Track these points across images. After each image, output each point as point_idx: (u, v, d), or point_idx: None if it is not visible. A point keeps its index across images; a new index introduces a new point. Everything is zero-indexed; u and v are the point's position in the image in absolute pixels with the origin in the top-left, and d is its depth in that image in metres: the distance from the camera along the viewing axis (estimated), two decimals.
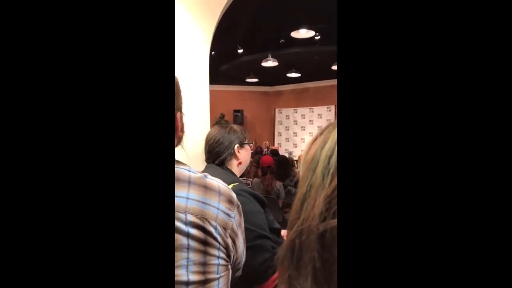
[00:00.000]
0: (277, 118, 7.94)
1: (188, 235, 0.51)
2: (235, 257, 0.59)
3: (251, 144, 1.01)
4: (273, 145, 7.35)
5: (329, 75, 6.47)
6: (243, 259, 0.63)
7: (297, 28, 4.14)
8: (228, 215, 0.56)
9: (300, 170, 0.32)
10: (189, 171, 0.56)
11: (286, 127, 7.86)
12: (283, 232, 0.95)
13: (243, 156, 0.96)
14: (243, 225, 0.62)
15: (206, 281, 0.53)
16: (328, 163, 0.28)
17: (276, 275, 0.73)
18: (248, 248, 0.66)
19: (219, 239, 0.54)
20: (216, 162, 0.93)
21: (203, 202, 0.54)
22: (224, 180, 0.61)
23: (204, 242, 0.53)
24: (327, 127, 0.32)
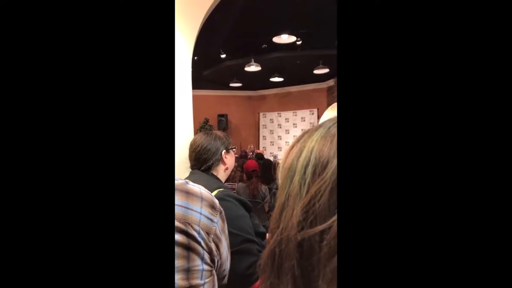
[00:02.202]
0: (262, 122, 7.98)
1: None
2: (219, 263, 0.59)
3: (234, 149, 1.02)
4: (258, 148, 7.38)
5: (311, 79, 6.59)
6: (228, 265, 0.63)
7: (278, 33, 4.20)
8: (211, 220, 0.57)
9: (279, 178, 0.32)
10: None
11: (270, 130, 7.91)
12: (268, 236, 0.96)
13: (229, 161, 0.98)
14: (226, 231, 0.62)
15: (191, 287, 0.53)
16: (304, 172, 0.28)
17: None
18: (234, 252, 0.67)
19: (203, 243, 0.54)
20: (202, 168, 0.93)
21: (185, 207, 0.54)
22: (209, 186, 0.62)
23: (187, 248, 0.52)
24: (302, 135, 0.32)
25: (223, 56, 5.16)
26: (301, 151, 0.30)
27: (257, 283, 0.74)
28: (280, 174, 0.32)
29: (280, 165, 0.33)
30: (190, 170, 0.96)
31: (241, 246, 0.74)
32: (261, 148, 7.60)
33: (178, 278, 0.51)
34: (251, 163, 2.85)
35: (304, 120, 7.44)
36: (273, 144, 7.90)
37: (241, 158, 5.01)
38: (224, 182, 0.99)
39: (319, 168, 0.27)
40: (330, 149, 0.28)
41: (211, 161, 0.93)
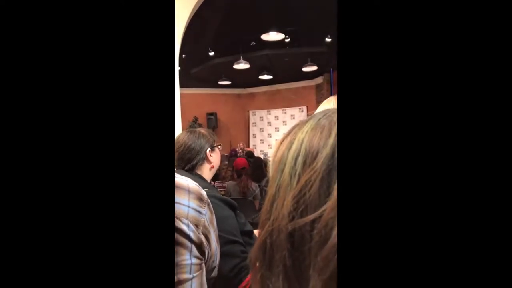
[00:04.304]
0: (251, 120, 7.98)
1: None
2: (209, 254, 0.59)
3: (220, 147, 1.01)
4: (248, 147, 7.37)
5: (300, 76, 6.62)
6: (218, 257, 0.63)
7: (267, 30, 4.19)
8: (199, 212, 0.56)
9: (270, 171, 0.32)
10: None
11: (260, 128, 7.92)
12: (256, 232, 0.95)
13: (215, 159, 0.96)
14: (215, 223, 0.62)
15: (179, 282, 0.52)
16: (295, 164, 0.28)
17: (246, 280, 0.72)
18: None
19: (192, 236, 0.54)
20: (186, 168, 0.91)
21: None
22: None
23: (175, 242, 0.52)
24: (293, 128, 0.32)
25: (211, 53, 5.12)
26: (291, 143, 0.30)
27: (241, 284, 0.73)
28: (271, 167, 0.32)
29: (271, 159, 0.33)
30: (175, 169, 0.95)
31: (224, 248, 0.73)
32: (251, 146, 7.61)
33: None
34: (240, 161, 2.84)
35: (293, 118, 7.47)
36: (263, 142, 7.92)
37: (231, 156, 4.99)
38: (214, 181, 0.98)
39: (310, 158, 0.27)
40: (320, 140, 0.28)
41: (195, 160, 0.91)
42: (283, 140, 0.32)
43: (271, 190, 0.30)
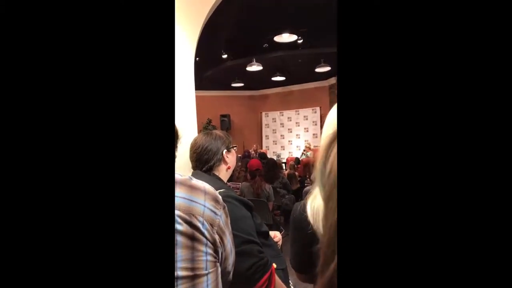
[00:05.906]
0: (264, 122, 7.98)
1: (175, 230, 0.52)
2: (223, 255, 0.60)
3: (235, 148, 1.02)
4: (261, 148, 7.38)
5: (313, 77, 6.57)
6: (232, 260, 0.64)
7: (279, 32, 4.20)
8: (215, 212, 0.58)
9: (319, 184, 0.26)
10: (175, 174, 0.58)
11: (273, 130, 7.91)
12: (272, 234, 0.96)
13: (231, 160, 0.98)
14: (230, 226, 0.63)
15: (195, 277, 0.53)
16: None
17: (263, 279, 0.74)
18: (235, 254, 0.67)
19: (207, 234, 0.55)
20: (203, 169, 0.93)
21: (189, 200, 0.56)
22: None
23: (191, 238, 0.54)
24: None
25: (224, 56, 5.17)
26: None
27: (259, 283, 0.74)
28: (320, 178, 0.25)
29: (317, 168, 0.26)
30: (192, 171, 0.97)
31: (241, 247, 0.74)
32: (264, 148, 7.61)
33: (182, 268, 0.52)
34: (254, 162, 2.86)
35: (306, 119, 7.43)
36: (276, 144, 7.90)
37: (244, 158, 5.02)
38: (228, 182, 0.99)
39: None
40: None
41: (213, 161, 0.93)
42: (331, 144, 0.25)
43: (332, 215, 0.23)
